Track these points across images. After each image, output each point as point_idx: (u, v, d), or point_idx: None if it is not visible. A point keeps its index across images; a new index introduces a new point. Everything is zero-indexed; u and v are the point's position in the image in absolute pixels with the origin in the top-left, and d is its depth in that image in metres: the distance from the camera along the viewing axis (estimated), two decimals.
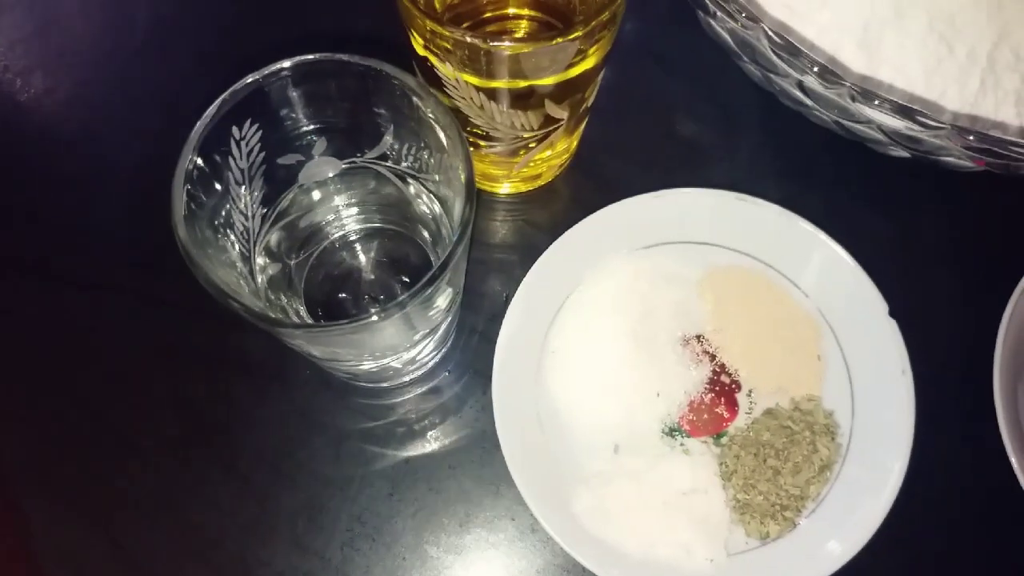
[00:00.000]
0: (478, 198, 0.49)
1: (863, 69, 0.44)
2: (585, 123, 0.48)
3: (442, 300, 0.35)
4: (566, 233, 0.44)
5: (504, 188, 0.49)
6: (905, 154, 0.44)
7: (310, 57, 0.33)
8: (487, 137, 0.42)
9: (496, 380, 0.41)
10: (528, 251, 0.45)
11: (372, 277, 0.44)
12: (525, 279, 0.43)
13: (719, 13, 0.43)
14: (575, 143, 0.48)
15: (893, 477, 0.40)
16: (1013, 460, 0.40)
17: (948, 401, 0.44)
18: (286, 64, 0.33)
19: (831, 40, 0.44)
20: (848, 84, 0.40)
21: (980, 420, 0.42)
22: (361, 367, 0.39)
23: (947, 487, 0.44)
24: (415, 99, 0.33)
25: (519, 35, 0.44)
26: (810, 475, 0.42)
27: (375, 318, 0.29)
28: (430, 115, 0.33)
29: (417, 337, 0.38)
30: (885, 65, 0.43)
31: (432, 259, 0.42)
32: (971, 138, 0.39)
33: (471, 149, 0.32)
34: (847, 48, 0.44)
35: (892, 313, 0.42)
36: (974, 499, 0.44)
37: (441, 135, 0.33)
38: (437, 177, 0.37)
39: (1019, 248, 0.44)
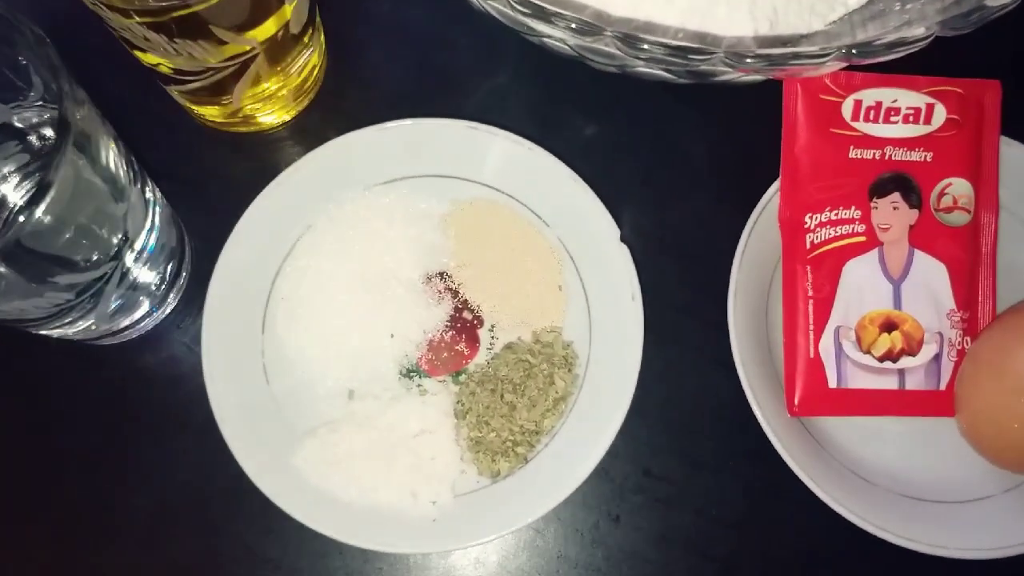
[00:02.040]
0: (212, 142, 0.46)
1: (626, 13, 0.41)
2: (316, 55, 0.45)
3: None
4: (283, 173, 0.42)
5: (241, 128, 0.46)
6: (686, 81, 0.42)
7: None
8: (180, 73, 0.39)
9: (206, 331, 0.39)
10: None
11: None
12: (237, 225, 0.41)
13: None
14: (309, 78, 0.46)
15: (622, 404, 0.39)
16: (742, 374, 0.40)
17: (683, 325, 0.44)
18: None
19: None
20: (610, 32, 0.36)
21: (717, 338, 0.42)
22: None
23: (678, 409, 0.43)
24: None
25: None
26: (545, 408, 0.41)
27: None
28: None
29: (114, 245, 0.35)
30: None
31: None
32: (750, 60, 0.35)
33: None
34: None
35: (623, 239, 0.41)
36: (703, 419, 0.43)
37: None
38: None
39: (758, 170, 0.43)
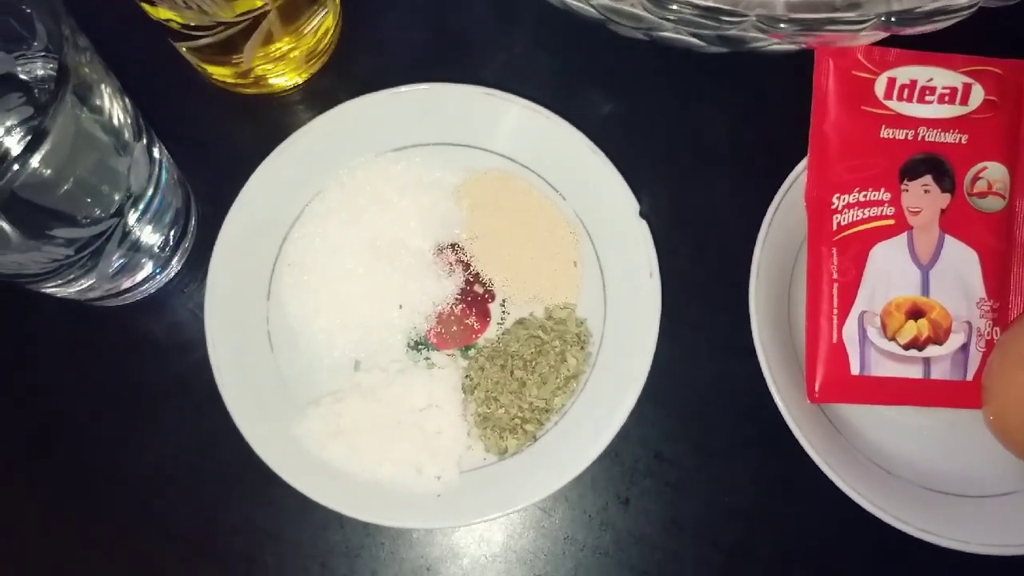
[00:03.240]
0: (221, 104, 0.45)
1: None
2: (330, 17, 0.44)
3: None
4: (293, 135, 0.40)
5: (251, 89, 0.45)
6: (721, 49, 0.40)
7: None
8: (190, 28, 0.38)
9: (210, 294, 0.38)
10: None
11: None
12: (245, 187, 0.40)
13: None
14: (323, 40, 0.44)
15: (635, 385, 0.38)
16: (762, 358, 0.38)
17: (699, 308, 0.42)
18: None
19: None
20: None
21: (735, 323, 0.40)
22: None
23: (692, 394, 0.42)
24: None
25: None
26: (556, 386, 0.40)
27: None
28: None
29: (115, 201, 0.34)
30: None
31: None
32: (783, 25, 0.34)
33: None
34: None
35: (643, 214, 0.40)
36: (717, 404, 0.42)
37: None
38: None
39: (783, 150, 0.41)
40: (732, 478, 0.41)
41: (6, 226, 0.30)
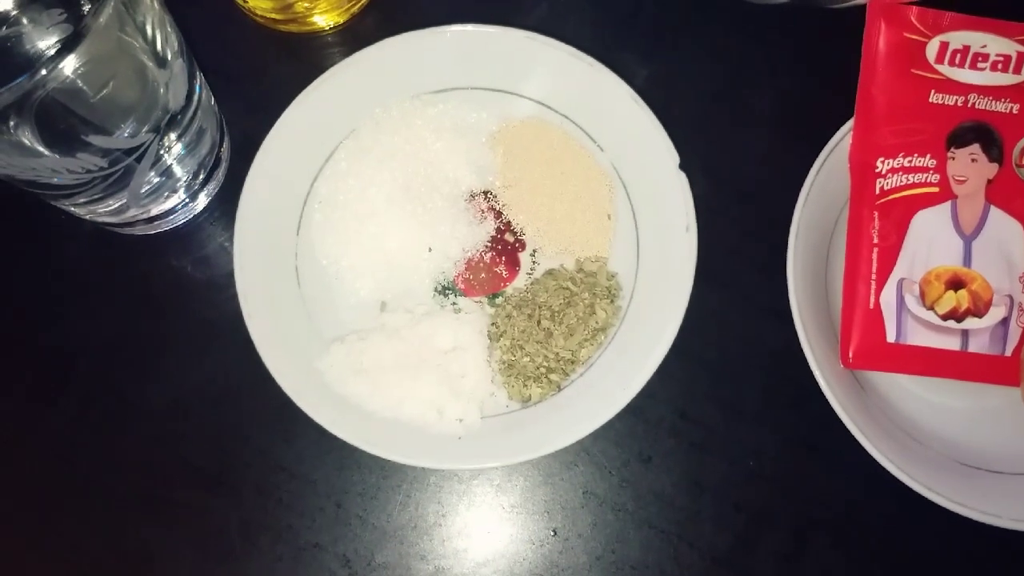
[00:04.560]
0: (261, 40, 0.45)
1: None
2: None
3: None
4: (331, 70, 0.40)
5: (292, 27, 0.44)
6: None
7: None
8: None
9: (240, 222, 0.38)
10: None
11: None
12: (280, 119, 0.39)
13: None
14: None
15: (663, 341, 0.37)
16: (797, 320, 0.37)
17: (733, 267, 0.42)
18: None
19: None
20: None
21: (770, 284, 0.39)
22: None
23: (721, 354, 0.41)
24: None
25: None
26: (583, 338, 0.39)
27: None
28: None
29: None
30: None
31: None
32: None
33: None
34: None
35: (682, 166, 0.39)
36: (747, 366, 0.41)
37: None
38: None
39: (827, 112, 0.41)
40: (757, 441, 0.40)
41: (42, 127, 0.30)
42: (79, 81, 0.30)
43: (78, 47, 0.28)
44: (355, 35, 0.45)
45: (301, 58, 0.45)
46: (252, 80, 0.45)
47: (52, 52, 0.28)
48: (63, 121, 0.30)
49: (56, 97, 0.29)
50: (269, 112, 0.40)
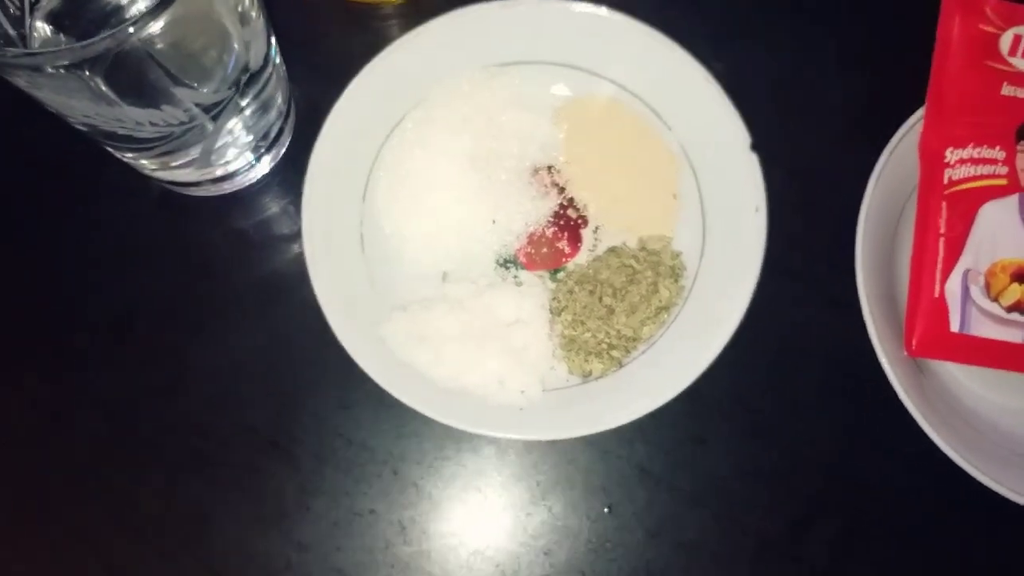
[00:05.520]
0: (330, 9, 0.45)
1: None
2: None
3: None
4: (401, 39, 0.40)
5: None
6: None
7: None
8: None
9: (309, 185, 0.38)
10: None
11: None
12: (349, 86, 0.39)
13: None
14: None
15: (729, 324, 0.37)
16: (865, 310, 0.37)
17: (805, 248, 0.41)
18: None
19: None
20: None
21: (832, 274, 0.39)
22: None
23: (782, 340, 0.41)
24: None
25: None
26: (645, 316, 0.39)
27: None
28: None
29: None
30: None
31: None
32: None
33: None
34: None
35: (755, 147, 0.39)
36: (807, 355, 0.41)
37: None
38: None
39: (898, 101, 0.40)
40: (816, 430, 0.40)
41: (134, 77, 0.30)
42: (170, 35, 0.30)
43: (173, 2, 0.28)
44: (423, 8, 0.45)
45: (368, 28, 0.45)
46: (318, 48, 0.44)
47: (148, 6, 0.28)
48: (152, 72, 0.30)
49: (148, 50, 0.29)
50: (333, 80, 0.39)
